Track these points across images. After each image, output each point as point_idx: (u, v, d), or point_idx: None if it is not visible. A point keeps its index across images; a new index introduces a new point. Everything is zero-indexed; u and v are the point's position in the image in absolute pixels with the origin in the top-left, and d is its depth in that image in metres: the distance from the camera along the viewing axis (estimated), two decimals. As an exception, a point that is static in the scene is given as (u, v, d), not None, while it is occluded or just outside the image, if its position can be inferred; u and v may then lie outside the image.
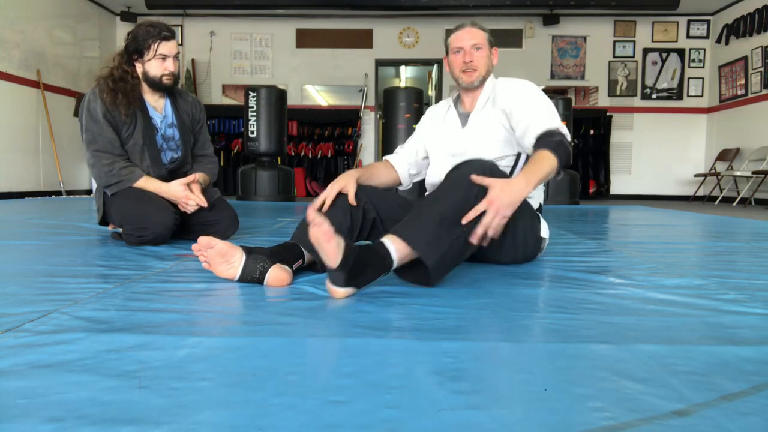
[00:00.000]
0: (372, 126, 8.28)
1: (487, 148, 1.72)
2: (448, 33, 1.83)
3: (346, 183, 1.55)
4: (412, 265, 1.36)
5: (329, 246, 1.20)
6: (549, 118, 1.62)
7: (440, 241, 1.31)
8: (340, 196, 1.56)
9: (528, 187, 1.41)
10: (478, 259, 1.76)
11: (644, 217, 4.25)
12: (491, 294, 1.32)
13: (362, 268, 1.26)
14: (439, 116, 1.90)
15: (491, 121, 1.74)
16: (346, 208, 1.55)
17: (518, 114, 1.66)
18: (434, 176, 1.83)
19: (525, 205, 1.67)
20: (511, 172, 1.73)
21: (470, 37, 1.75)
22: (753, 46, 7.01)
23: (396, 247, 1.30)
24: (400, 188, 1.92)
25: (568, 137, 1.59)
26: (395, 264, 1.31)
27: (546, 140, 1.55)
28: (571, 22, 8.03)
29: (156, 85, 2.15)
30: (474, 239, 1.33)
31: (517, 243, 1.68)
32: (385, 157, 1.92)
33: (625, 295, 1.32)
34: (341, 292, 1.26)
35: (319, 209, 1.50)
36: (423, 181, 1.93)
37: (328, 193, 1.53)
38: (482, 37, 1.76)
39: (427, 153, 1.90)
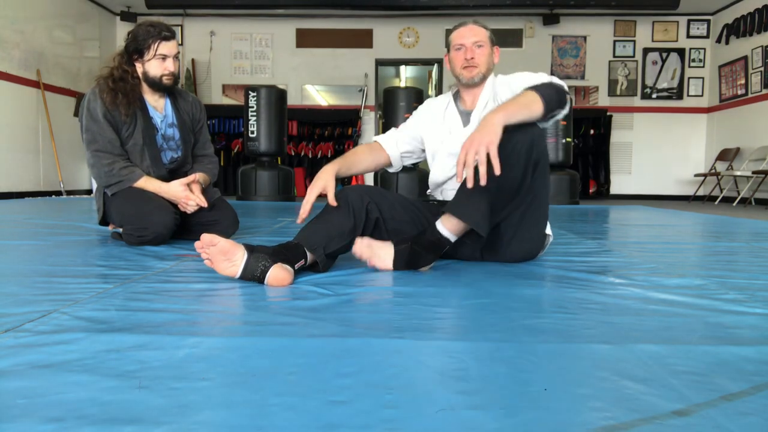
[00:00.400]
0: (372, 126, 8.28)
1: None
2: (449, 33, 1.81)
3: (324, 183, 1.55)
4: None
5: (376, 261, 1.50)
6: (540, 81, 1.60)
7: (491, 212, 1.46)
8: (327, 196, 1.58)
9: (498, 114, 1.40)
10: (482, 258, 1.76)
11: (644, 217, 4.25)
12: (491, 294, 1.32)
13: (419, 257, 1.53)
14: (438, 113, 1.85)
15: None
16: (348, 209, 1.56)
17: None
18: (437, 176, 1.81)
19: (541, 199, 1.65)
20: None
21: (472, 35, 1.74)
22: (753, 46, 7.01)
23: (448, 228, 1.52)
24: (390, 170, 1.89)
25: (563, 85, 1.57)
26: (453, 239, 1.54)
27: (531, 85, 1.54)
28: (571, 22, 8.03)
29: (156, 85, 2.15)
30: (468, 183, 1.36)
31: (526, 236, 1.69)
32: (375, 138, 1.87)
33: (625, 295, 1.32)
34: (423, 268, 1.57)
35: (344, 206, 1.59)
36: (425, 180, 1.92)
37: (308, 198, 1.53)
38: (484, 34, 1.75)
39: (424, 146, 1.87)
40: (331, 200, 1.53)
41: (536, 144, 1.50)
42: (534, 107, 1.46)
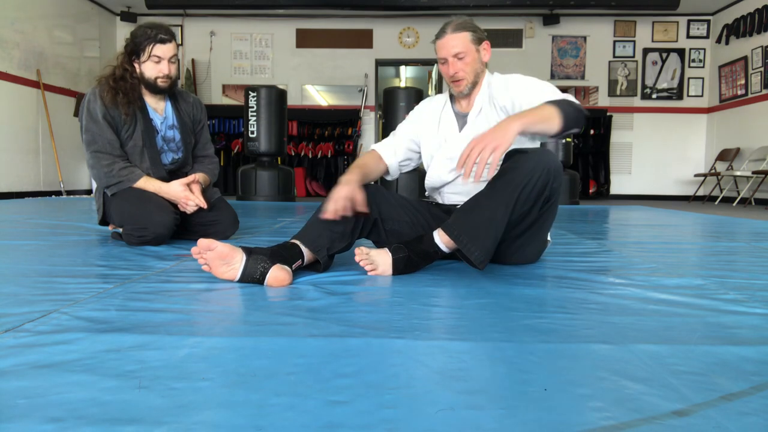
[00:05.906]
0: (372, 126, 8.28)
1: None
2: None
3: (353, 191, 1.51)
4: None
5: (380, 270, 1.52)
6: (554, 95, 1.58)
7: (486, 237, 1.43)
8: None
9: (516, 121, 1.35)
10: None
11: (644, 217, 4.25)
12: (491, 294, 1.32)
13: (415, 265, 1.55)
14: (434, 117, 1.81)
15: (492, 122, 1.68)
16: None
17: (521, 101, 1.61)
18: (434, 180, 1.79)
19: (546, 225, 1.65)
20: None
21: (451, 46, 1.65)
22: (753, 46, 7.01)
23: (445, 243, 1.52)
24: (387, 178, 1.87)
25: (581, 106, 1.55)
26: (446, 251, 1.54)
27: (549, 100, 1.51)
28: (571, 22, 8.04)
29: (151, 87, 2.14)
30: (464, 177, 1.33)
31: (526, 252, 1.70)
32: (374, 147, 1.84)
33: (625, 295, 1.32)
34: None
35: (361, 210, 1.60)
36: (423, 180, 1.91)
37: (338, 205, 1.47)
38: (465, 40, 1.66)
39: (420, 149, 1.84)
40: (364, 207, 1.52)
41: (552, 183, 1.47)
42: (552, 123, 1.42)
